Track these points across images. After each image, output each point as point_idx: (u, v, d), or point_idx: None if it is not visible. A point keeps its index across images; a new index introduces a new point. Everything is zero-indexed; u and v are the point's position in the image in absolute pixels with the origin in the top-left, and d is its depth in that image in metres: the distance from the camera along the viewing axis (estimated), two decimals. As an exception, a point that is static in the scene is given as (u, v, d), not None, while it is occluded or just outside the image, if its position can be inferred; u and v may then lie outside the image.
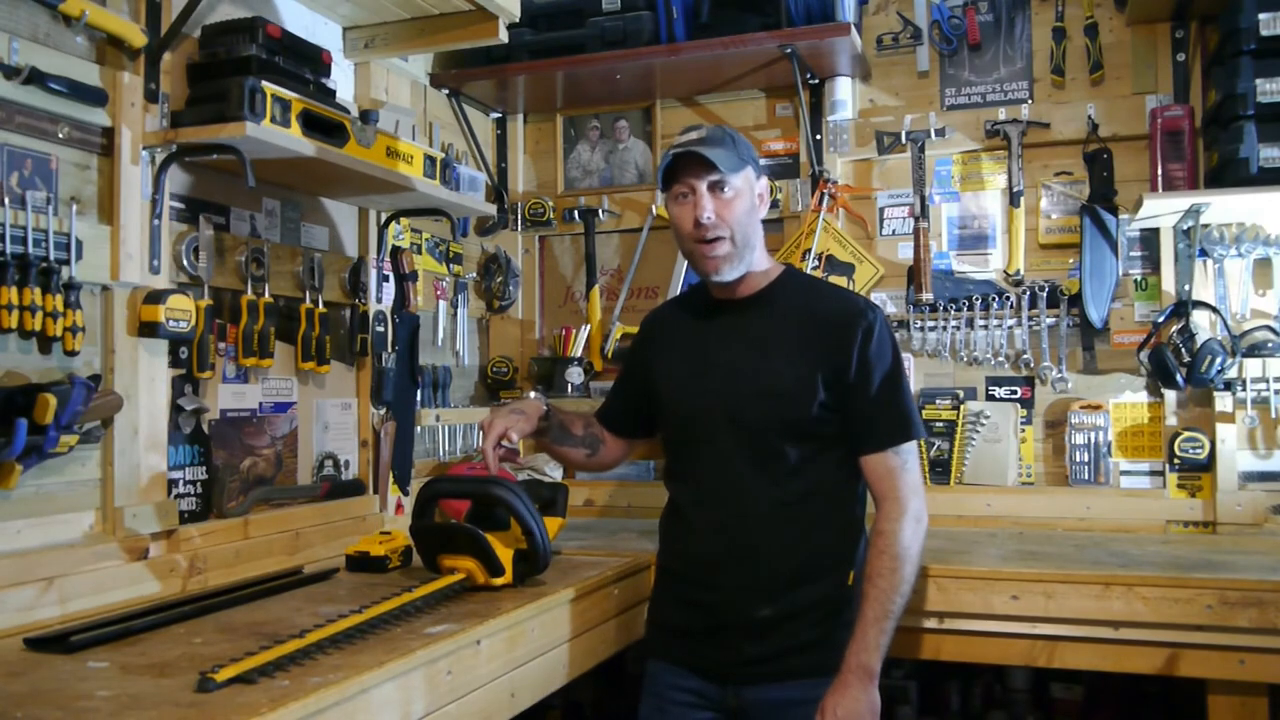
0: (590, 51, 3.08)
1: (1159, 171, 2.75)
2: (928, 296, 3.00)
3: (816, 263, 3.11)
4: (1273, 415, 2.72)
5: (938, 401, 3.01)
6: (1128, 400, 2.92)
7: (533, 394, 2.18)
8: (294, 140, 2.05)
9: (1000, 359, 3.00)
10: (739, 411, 1.87)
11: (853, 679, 1.77)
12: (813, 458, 1.86)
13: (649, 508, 3.22)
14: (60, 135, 1.87)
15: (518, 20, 2.58)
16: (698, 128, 1.91)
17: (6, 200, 1.74)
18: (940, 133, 3.06)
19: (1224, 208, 2.65)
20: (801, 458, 1.85)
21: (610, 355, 3.36)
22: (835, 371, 1.84)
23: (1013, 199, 2.99)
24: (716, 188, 1.86)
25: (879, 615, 1.78)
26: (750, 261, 1.91)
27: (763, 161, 2.75)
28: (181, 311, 2.01)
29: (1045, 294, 2.95)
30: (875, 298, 3.13)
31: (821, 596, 1.86)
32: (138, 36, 1.97)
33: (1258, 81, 2.50)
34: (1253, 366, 2.71)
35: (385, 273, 2.75)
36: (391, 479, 2.73)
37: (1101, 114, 2.93)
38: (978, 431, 2.99)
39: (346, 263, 2.63)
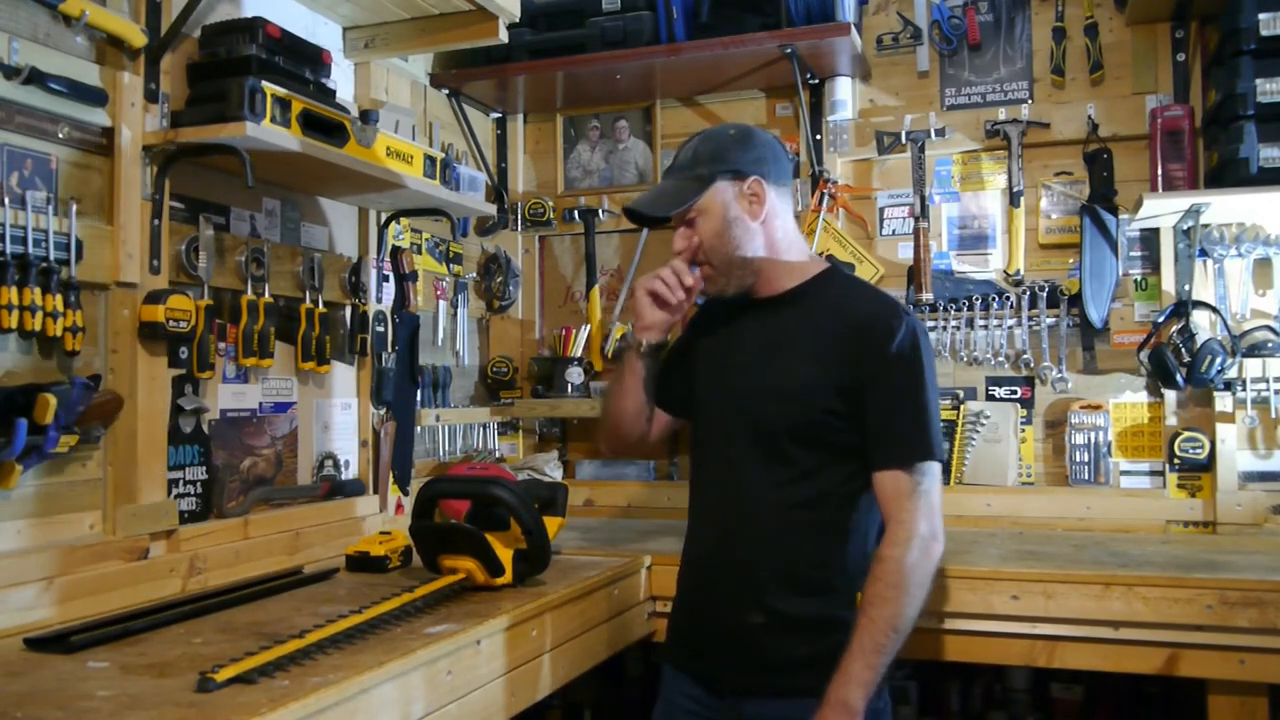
0: (590, 51, 3.08)
1: (1159, 171, 2.76)
2: (928, 296, 2.99)
3: (816, 263, 3.11)
4: (1273, 415, 2.72)
5: (937, 401, 3.01)
6: (1128, 400, 2.92)
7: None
8: (294, 140, 2.04)
9: (1000, 359, 3.00)
10: (749, 410, 1.83)
11: (830, 714, 1.64)
12: (822, 466, 1.78)
13: (649, 508, 3.23)
14: (60, 135, 1.87)
15: (518, 20, 2.58)
16: (684, 146, 1.89)
17: (6, 200, 1.74)
18: (940, 133, 3.06)
19: (1224, 208, 2.65)
20: (809, 464, 1.78)
21: (610, 355, 3.36)
22: (852, 376, 1.75)
23: (1013, 199, 3.00)
24: (683, 217, 1.85)
25: (867, 648, 1.64)
26: (750, 270, 1.85)
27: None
28: (181, 311, 2.01)
29: (1045, 294, 2.95)
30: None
31: (823, 613, 1.77)
32: (138, 36, 1.97)
33: (1258, 81, 2.50)
34: (1253, 366, 2.71)
35: (385, 273, 2.75)
36: (391, 479, 2.74)
37: (1101, 114, 2.93)
38: (978, 431, 2.99)
39: (346, 263, 2.63)
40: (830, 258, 3.11)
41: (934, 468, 1.74)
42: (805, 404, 1.77)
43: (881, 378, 1.75)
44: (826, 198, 3.12)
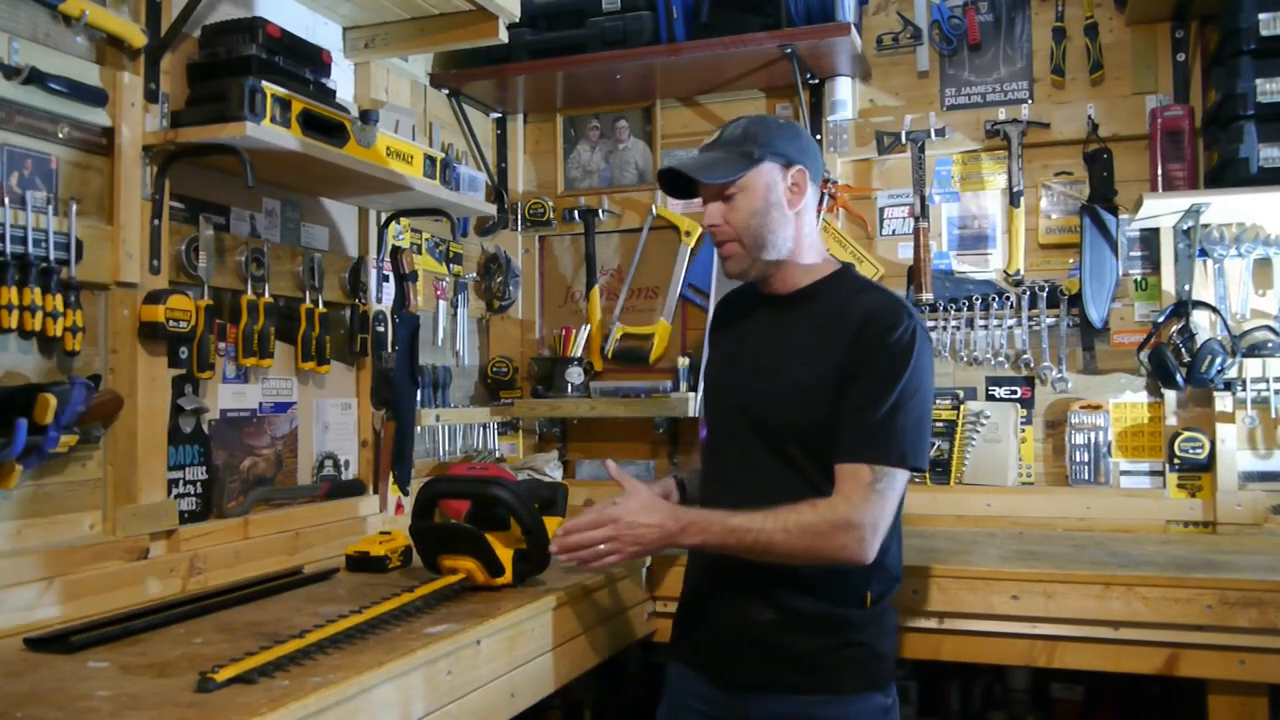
0: (590, 51, 3.08)
1: (1159, 171, 2.76)
2: (928, 296, 2.99)
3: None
4: (1273, 415, 2.72)
5: (938, 401, 3.01)
6: (1128, 400, 2.92)
7: (670, 476, 2.13)
8: (294, 140, 2.04)
9: (1000, 359, 3.00)
10: (755, 409, 1.84)
11: (667, 518, 1.75)
12: (826, 465, 1.76)
13: (649, 508, 3.22)
14: (60, 135, 1.87)
15: (518, 20, 2.58)
16: (731, 123, 1.89)
17: (6, 200, 1.74)
18: (940, 133, 3.06)
19: (1224, 208, 2.65)
20: (814, 464, 1.77)
21: (610, 355, 3.37)
22: (843, 371, 1.74)
23: (1013, 199, 3.00)
24: (720, 191, 1.84)
25: (733, 534, 1.70)
26: (775, 258, 1.84)
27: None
28: (181, 311, 2.01)
29: (1045, 294, 2.95)
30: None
31: (831, 611, 1.78)
32: (138, 36, 1.97)
33: (1258, 81, 2.50)
34: (1253, 366, 2.71)
35: (385, 273, 2.75)
36: (391, 479, 2.74)
37: (1101, 114, 2.93)
38: (978, 431, 2.99)
39: (346, 263, 2.63)
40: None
41: (898, 476, 1.71)
42: (808, 404, 1.77)
43: (867, 366, 1.72)
44: (826, 198, 3.12)
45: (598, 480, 3.34)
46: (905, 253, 3.09)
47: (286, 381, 2.46)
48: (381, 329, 2.70)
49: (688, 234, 3.30)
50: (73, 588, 1.83)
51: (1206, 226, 2.73)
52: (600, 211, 3.39)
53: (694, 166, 1.86)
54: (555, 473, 3.25)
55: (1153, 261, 2.90)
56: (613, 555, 1.78)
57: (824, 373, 1.76)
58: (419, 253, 3.02)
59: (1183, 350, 2.71)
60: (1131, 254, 2.93)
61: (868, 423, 1.71)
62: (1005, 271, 3.03)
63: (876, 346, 1.73)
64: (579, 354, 3.34)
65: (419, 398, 2.87)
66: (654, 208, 3.34)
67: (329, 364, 2.52)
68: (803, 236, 1.87)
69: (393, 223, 2.73)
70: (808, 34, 2.89)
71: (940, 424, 3.00)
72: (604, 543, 1.78)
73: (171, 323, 1.98)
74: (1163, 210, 2.70)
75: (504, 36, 2.53)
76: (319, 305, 2.47)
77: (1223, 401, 2.75)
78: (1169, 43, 2.88)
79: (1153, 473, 2.89)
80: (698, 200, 1.91)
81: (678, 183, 1.88)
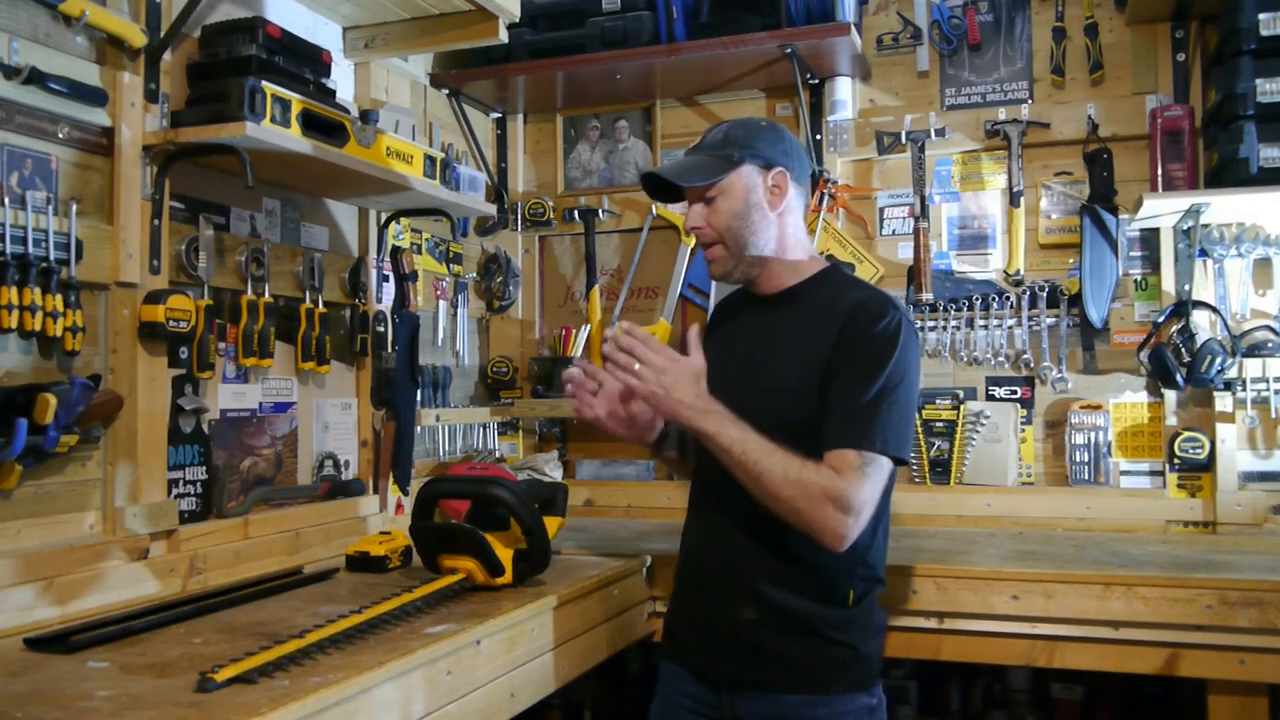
0: (590, 51, 3.08)
1: (1159, 171, 2.76)
2: (928, 296, 2.99)
3: (816, 263, 3.11)
4: (1273, 415, 2.72)
5: (938, 401, 3.01)
6: (1128, 400, 2.92)
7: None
8: (294, 140, 2.04)
9: (1000, 359, 3.00)
10: (743, 407, 1.82)
11: (703, 393, 1.70)
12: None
13: (649, 507, 3.23)
14: (60, 135, 1.87)
15: (518, 20, 2.59)
16: (714, 128, 1.91)
17: (6, 200, 1.74)
18: (940, 133, 3.06)
19: (1224, 208, 2.65)
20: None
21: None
22: (829, 366, 1.75)
23: (1013, 199, 3.00)
24: (702, 194, 1.86)
25: (747, 444, 1.67)
26: (758, 259, 1.86)
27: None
28: (181, 311, 2.01)
29: (1045, 294, 2.95)
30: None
31: (815, 610, 1.78)
32: (138, 36, 1.97)
33: (1258, 81, 2.50)
34: (1253, 366, 2.70)
35: (385, 273, 2.75)
36: (391, 479, 2.74)
37: (1101, 114, 2.93)
38: (978, 431, 2.99)
39: (346, 263, 2.63)
40: (830, 258, 3.11)
41: (883, 463, 1.70)
42: (797, 401, 1.77)
43: (853, 356, 1.73)
44: (826, 198, 3.12)
45: (598, 480, 3.34)
46: (905, 253, 3.09)
47: (286, 381, 2.46)
48: (381, 329, 2.70)
49: (688, 234, 3.30)
50: (73, 588, 1.83)
51: (1206, 226, 2.73)
52: (600, 211, 3.39)
53: (674, 171, 1.88)
54: (555, 473, 3.26)
55: (1153, 261, 2.90)
56: (635, 380, 1.72)
57: (811, 370, 1.77)
58: (419, 253, 3.02)
59: (1183, 350, 2.71)
60: (1131, 254, 2.93)
61: (852, 410, 1.71)
62: (1005, 271, 3.03)
63: (862, 337, 1.74)
64: (579, 354, 3.34)
65: (419, 398, 2.87)
66: (654, 208, 3.34)
67: (329, 364, 2.52)
68: (786, 236, 1.87)
69: (393, 223, 2.74)
70: (808, 34, 2.89)
71: (940, 424, 3.00)
72: (647, 364, 1.72)
73: (171, 323, 1.98)
74: (1163, 210, 2.70)
75: (504, 36, 2.54)
76: (319, 305, 2.47)
77: (1223, 401, 2.75)
78: (1169, 43, 2.88)
79: (1153, 473, 2.88)
80: None
81: (661, 187, 1.90)
